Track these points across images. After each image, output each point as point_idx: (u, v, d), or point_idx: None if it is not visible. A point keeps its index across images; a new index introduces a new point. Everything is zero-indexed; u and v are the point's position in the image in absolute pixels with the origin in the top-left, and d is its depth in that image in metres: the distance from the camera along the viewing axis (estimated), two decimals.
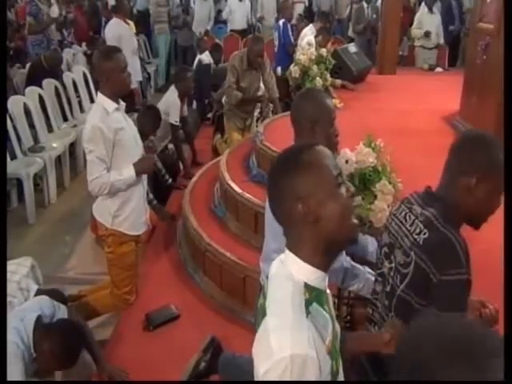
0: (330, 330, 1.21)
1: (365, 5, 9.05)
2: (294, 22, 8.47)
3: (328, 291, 1.31)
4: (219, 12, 10.85)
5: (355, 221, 1.27)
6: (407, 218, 1.72)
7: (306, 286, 1.21)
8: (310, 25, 7.30)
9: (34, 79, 6.08)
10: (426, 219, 1.63)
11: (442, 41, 8.52)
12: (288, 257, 1.26)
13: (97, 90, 6.82)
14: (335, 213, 1.22)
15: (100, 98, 2.97)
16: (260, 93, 5.51)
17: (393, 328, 1.51)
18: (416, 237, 1.63)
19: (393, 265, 1.73)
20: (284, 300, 1.19)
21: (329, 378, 1.18)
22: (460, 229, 1.62)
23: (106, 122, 2.88)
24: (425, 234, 1.61)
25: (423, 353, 0.89)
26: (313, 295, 1.21)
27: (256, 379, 1.19)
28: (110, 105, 2.93)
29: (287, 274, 1.24)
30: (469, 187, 1.59)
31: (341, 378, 1.27)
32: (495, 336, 0.90)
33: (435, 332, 0.92)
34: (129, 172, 2.97)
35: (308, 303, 1.19)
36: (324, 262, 1.25)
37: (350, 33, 9.64)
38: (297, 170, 1.23)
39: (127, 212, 3.08)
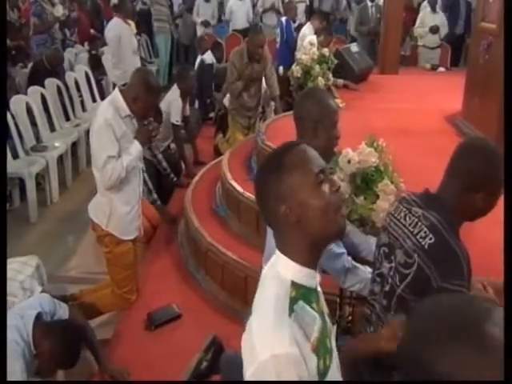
0: (317, 327, 1.21)
1: (369, 3, 9.00)
2: (298, 22, 8.49)
3: (319, 289, 1.31)
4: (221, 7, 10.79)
5: (342, 213, 1.26)
6: (407, 218, 1.71)
7: (293, 284, 1.22)
8: (308, 23, 7.29)
9: (35, 79, 6.09)
10: (431, 224, 1.63)
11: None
12: (277, 257, 1.28)
13: (99, 89, 6.91)
14: (317, 212, 1.22)
15: (118, 97, 2.96)
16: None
17: (393, 325, 1.48)
18: (421, 240, 1.63)
19: (393, 264, 1.73)
20: (267, 301, 1.20)
21: (316, 377, 1.18)
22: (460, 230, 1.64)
23: (116, 119, 2.92)
24: (431, 238, 1.61)
25: (421, 328, 0.88)
26: (299, 293, 1.21)
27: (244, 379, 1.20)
28: (125, 110, 2.95)
29: (274, 273, 1.25)
30: (473, 200, 1.61)
31: (332, 377, 1.27)
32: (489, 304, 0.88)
33: (433, 309, 0.91)
34: (135, 148, 3.01)
35: (293, 301, 1.19)
36: (311, 259, 1.26)
37: (353, 32, 9.62)
38: (277, 172, 1.25)
39: (121, 217, 3.09)
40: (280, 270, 1.25)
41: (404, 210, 1.75)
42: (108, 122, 2.88)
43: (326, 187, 1.24)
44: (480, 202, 1.62)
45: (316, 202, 1.22)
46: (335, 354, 1.30)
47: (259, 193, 1.30)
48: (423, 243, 1.62)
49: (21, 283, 3.02)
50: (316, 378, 1.18)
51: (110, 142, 2.89)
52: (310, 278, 1.25)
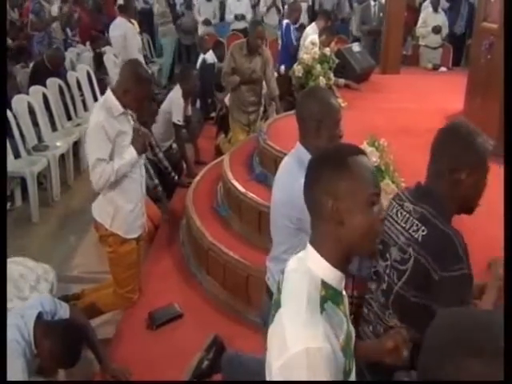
0: (345, 329, 1.22)
1: (372, 3, 8.97)
2: (300, 22, 8.47)
3: (344, 293, 1.31)
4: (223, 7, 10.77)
5: (377, 245, 1.27)
6: (399, 214, 1.72)
7: (323, 283, 1.22)
8: (313, 23, 7.29)
9: (36, 78, 6.09)
10: (422, 216, 1.64)
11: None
12: (308, 252, 1.27)
13: (100, 88, 6.92)
14: (359, 226, 1.23)
15: (110, 98, 2.94)
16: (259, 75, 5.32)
17: (396, 335, 1.47)
18: (413, 234, 1.64)
19: (388, 262, 1.73)
20: (299, 294, 1.20)
21: (341, 376, 1.18)
22: (452, 219, 1.65)
23: (109, 121, 2.89)
24: (423, 231, 1.62)
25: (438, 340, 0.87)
26: (329, 293, 1.22)
27: (269, 373, 1.20)
28: (117, 108, 2.92)
29: (305, 269, 1.25)
30: (459, 180, 1.62)
31: (353, 378, 1.27)
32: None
33: (453, 322, 0.90)
34: (131, 153, 2.99)
35: (323, 300, 1.20)
36: (342, 262, 1.26)
37: (355, 32, 9.60)
38: (338, 169, 1.24)
39: (125, 216, 3.09)
40: (311, 266, 1.24)
41: (396, 206, 1.76)
42: (100, 124, 2.86)
43: (376, 209, 1.25)
44: (467, 179, 1.61)
45: (362, 218, 1.23)
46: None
47: (311, 179, 1.28)
48: (416, 236, 1.63)
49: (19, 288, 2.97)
50: (341, 377, 1.18)
51: (100, 144, 2.88)
52: (338, 280, 1.26)
